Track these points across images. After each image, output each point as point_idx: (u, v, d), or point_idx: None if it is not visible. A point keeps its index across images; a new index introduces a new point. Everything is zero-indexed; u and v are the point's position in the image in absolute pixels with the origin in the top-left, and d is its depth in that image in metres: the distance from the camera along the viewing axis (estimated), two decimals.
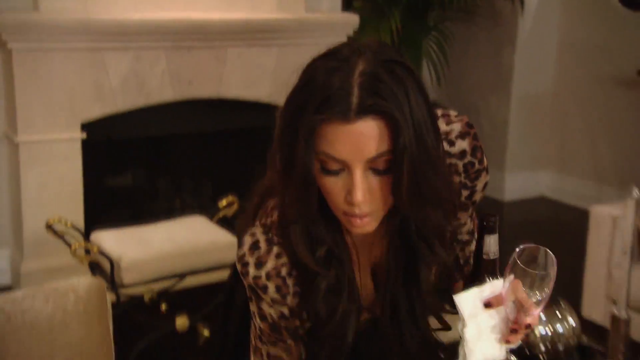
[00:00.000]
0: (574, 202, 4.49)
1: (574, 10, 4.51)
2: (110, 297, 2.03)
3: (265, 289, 1.09)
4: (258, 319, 1.14)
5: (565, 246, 3.23)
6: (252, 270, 1.09)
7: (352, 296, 1.10)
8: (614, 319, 1.84)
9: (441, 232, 1.09)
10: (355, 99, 0.94)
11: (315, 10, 3.82)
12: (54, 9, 3.16)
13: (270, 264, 1.08)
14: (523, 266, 1.03)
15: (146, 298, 2.77)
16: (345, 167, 0.97)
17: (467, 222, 1.23)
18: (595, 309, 2.84)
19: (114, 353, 1.87)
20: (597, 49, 4.41)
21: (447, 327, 1.20)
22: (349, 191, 0.97)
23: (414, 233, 1.07)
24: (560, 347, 2.09)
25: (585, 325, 2.40)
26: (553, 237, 3.84)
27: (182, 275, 2.78)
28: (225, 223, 3.04)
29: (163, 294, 2.81)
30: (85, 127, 3.28)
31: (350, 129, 0.94)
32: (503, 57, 4.64)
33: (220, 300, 2.50)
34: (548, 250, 1.04)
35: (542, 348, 2.08)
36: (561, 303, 2.16)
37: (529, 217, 4.51)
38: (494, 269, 1.12)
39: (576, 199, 4.48)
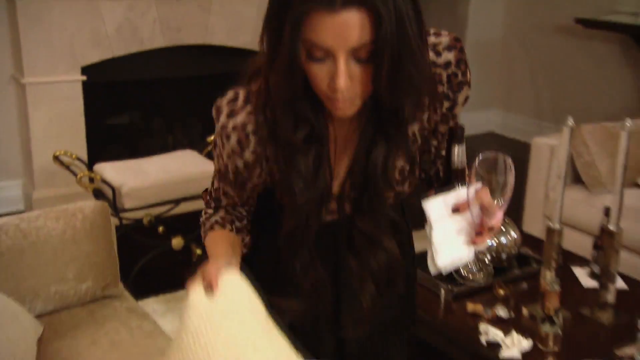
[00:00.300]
0: (518, 137, 4.54)
1: None
2: (113, 221, 2.04)
3: (228, 138, 1.05)
4: (216, 162, 1.12)
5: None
6: (222, 118, 1.05)
7: (325, 176, 1.06)
8: (549, 230, 1.89)
9: (412, 121, 1.05)
10: None
11: None
12: None
13: (240, 118, 1.04)
14: (482, 173, 1.00)
15: (145, 221, 2.77)
16: (329, 55, 0.92)
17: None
18: (534, 225, 2.91)
19: (118, 264, 1.90)
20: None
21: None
22: (333, 77, 0.93)
23: (387, 119, 1.02)
24: (504, 256, 2.16)
25: (525, 238, 2.47)
26: None
27: (176, 202, 2.78)
28: (212, 156, 3.02)
29: (160, 218, 2.82)
30: (85, 70, 3.22)
31: (335, 19, 0.89)
32: (458, 9, 4.59)
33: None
34: (507, 157, 1.01)
35: (488, 257, 2.15)
36: (506, 220, 2.22)
37: (480, 150, 4.54)
38: (462, 178, 1.07)
39: (520, 134, 4.53)
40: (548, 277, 1.80)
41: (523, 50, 4.56)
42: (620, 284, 2.00)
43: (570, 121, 1.86)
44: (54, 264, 1.73)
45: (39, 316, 1.70)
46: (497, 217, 1.00)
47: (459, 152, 1.08)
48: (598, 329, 1.82)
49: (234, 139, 1.04)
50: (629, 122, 1.79)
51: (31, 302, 1.69)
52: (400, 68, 0.92)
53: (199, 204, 3.11)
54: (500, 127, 4.78)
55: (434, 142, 1.12)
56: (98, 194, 2.73)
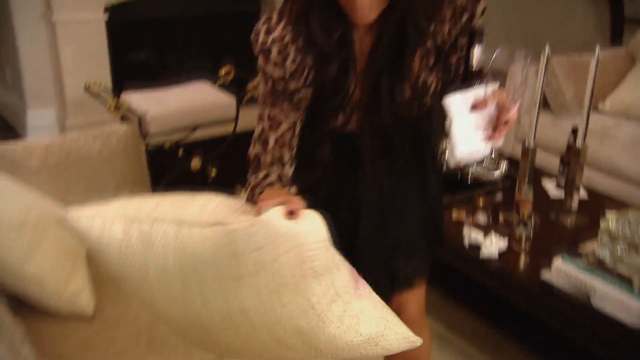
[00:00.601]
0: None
1: None
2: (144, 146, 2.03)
3: (269, 51, 1.03)
4: (262, 83, 1.08)
5: None
6: (261, 36, 1.03)
7: (350, 79, 1.04)
8: (524, 148, 1.91)
9: (429, 20, 1.02)
10: None
11: None
12: None
13: (276, 33, 1.02)
14: (500, 66, 0.98)
15: (166, 145, 2.77)
16: None
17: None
18: (507, 147, 2.92)
19: (150, 180, 1.92)
20: None
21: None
22: None
23: (406, 20, 1.00)
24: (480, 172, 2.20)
25: (499, 156, 2.49)
26: None
27: (194, 128, 2.76)
28: (225, 88, 2.98)
29: (179, 143, 2.81)
30: (108, 10, 3.13)
31: None
32: None
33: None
34: (526, 50, 0.99)
35: (469, 172, 2.18)
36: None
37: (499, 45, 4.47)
38: (480, 77, 1.05)
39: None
40: (523, 187, 1.83)
41: None
42: (581, 194, 2.04)
43: (547, 49, 1.85)
44: (95, 178, 1.75)
45: None
46: (512, 112, 0.99)
47: (478, 52, 1.05)
48: (563, 232, 1.88)
49: (274, 51, 1.03)
50: (598, 49, 1.79)
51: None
52: None
53: (214, 131, 3.09)
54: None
55: (454, 57, 1.08)
56: (125, 120, 2.71)
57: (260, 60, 1.05)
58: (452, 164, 1.05)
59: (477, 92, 0.99)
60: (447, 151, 1.03)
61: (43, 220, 1.40)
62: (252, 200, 1.06)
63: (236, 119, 2.86)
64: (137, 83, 3.08)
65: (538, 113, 1.93)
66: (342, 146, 1.11)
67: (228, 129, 2.87)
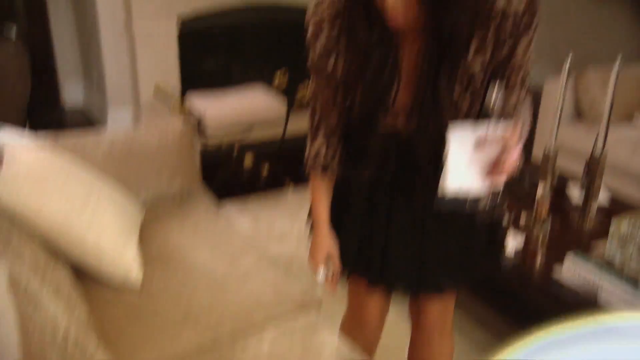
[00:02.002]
0: (535, 80, 4.39)
1: None
2: (197, 141, 2.13)
3: (307, 26, 1.04)
4: (309, 59, 1.07)
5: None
6: (309, 11, 1.04)
7: (391, 74, 1.00)
8: (545, 154, 1.90)
9: (464, 41, 0.94)
10: None
11: None
12: None
13: (320, 8, 1.02)
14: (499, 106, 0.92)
15: (223, 145, 2.88)
16: None
17: (516, 95, 1.00)
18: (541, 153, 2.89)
19: (200, 170, 2.03)
20: None
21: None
22: None
23: (443, 37, 0.93)
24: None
25: (534, 164, 2.47)
26: None
27: (249, 127, 2.84)
28: (280, 91, 3.04)
29: (235, 142, 2.89)
30: (179, 23, 3.29)
31: None
32: None
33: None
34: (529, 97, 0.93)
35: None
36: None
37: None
38: (493, 115, 0.97)
39: (536, 77, 4.37)
40: (541, 189, 1.84)
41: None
42: (603, 199, 2.01)
43: (567, 63, 1.84)
44: (152, 167, 1.87)
45: (143, 203, 1.84)
46: (513, 155, 0.88)
47: (497, 90, 0.97)
48: (580, 234, 1.86)
49: (311, 27, 1.03)
50: (617, 62, 1.77)
51: (137, 193, 1.84)
52: None
53: (267, 131, 3.18)
54: None
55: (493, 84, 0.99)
56: (188, 118, 2.82)
57: (309, 32, 1.05)
58: (440, 192, 0.93)
59: (487, 128, 0.90)
60: (440, 179, 0.92)
61: (104, 199, 1.54)
62: (305, 168, 1.14)
63: (286, 120, 2.92)
64: (201, 86, 3.23)
65: (559, 119, 1.92)
66: (392, 147, 1.06)
67: (279, 130, 2.94)
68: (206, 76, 3.56)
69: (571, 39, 4.24)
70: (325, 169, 1.11)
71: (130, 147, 1.84)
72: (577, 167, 2.63)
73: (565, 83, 1.84)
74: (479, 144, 0.89)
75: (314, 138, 1.11)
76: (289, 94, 3.02)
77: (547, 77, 3.27)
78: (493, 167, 0.89)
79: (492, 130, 0.88)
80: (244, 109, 2.87)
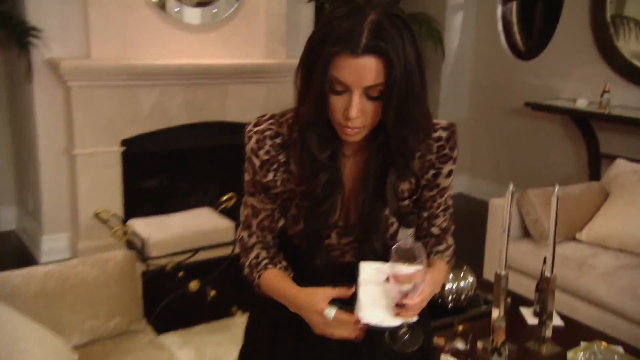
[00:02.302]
0: (482, 197, 4.59)
1: (482, 58, 4.61)
2: (141, 267, 2.06)
3: (250, 139, 1.08)
4: (245, 174, 1.12)
5: (475, 229, 3.33)
6: (249, 126, 1.09)
7: (339, 189, 1.07)
8: (497, 275, 1.93)
9: (413, 152, 1.05)
10: (363, 39, 0.92)
11: (295, 57, 3.85)
12: (101, 56, 3.19)
13: (262, 126, 1.07)
14: (398, 260, 0.97)
15: (168, 267, 2.78)
16: (347, 90, 0.96)
17: (438, 211, 1.15)
18: (492, 272, 2.92)
19: (142, 305, 1.93)
20: (497, 88, 4.51)
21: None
22: (347, 108, 0.96)
23: (393, 148, 1.03)
24: (462, 297, 2.19)
25: (484, 283, 2.49)
26: (469, 224, 3.93)
27: (194, 251, 2.79)
28: (226, 213, 3.04)
29: (180, 265, 2.81)
30: (124, 143, 3.29)
31: (356, 62, 0.93)
32: (431, 93, 4.73)
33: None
34: (420, 247, 0.98)
35: (450, 298, 2.18)
36: (465, 267, 2.26)
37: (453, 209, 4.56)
38: (406, 256, 1.02)
39: (483, 194, 4.59)
40: (496, 315, 1.83)
41: (484, 128, 4.68)
42: (557, 320, 2.02)
43: (512, 186, 1.92)
44: (89, 303, 1.77)
45: (75, 347, 1.72)
46: (415, 299, 0.98)
47: (403, 234, 1.08)
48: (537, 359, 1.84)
49: (253, 139, 1.08)
50: (557, 187, 1.86)
51: (69, 335, 1.72)
52: (406, 106, 0.96)
53: (213, 253, 3.11)
54: (468, 189, 4.85)
55: (415, 210, 1.13)
56: (130, 244, 2.76)
57: (246, 149, 1.10)
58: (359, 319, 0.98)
59: (393, 267, 0.97)
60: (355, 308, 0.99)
61: (32, 347, 1.41)
62: (252, 279, 1.13)
63: (234, 242, 2.87)
64: (144, 210, 3.17)
65: (507, 241, 1.96)
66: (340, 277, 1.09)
67: (227, 251, 2.88)
68: (150, 199, 3.53)
69: (513, 159, 4.52)
70: (271, 263, 1.13)
71: (64, 283, 1.75)
72: (526, 283, 2.67)
73: (510, 207, 1.91)
74: (391, 278, 0.97)
75: (249, 250, 1.15)
76: (237, 216, 3.00)
77: (491, 195, 3.41)
78: (402, 303, 0.98)
79: (400, 267, 0.96)
80: (189, 232, 2.83)
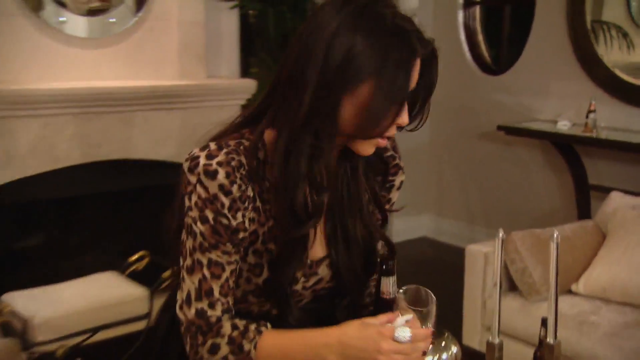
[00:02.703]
0: (452, 241, 4.64)
1: (442, 73, 4.69)
2: (23, 356, 1.93)
3: (215, 174, 1.07)
4: (199, 223, 1.10)
5: (445, 281, 3.32)
6: (202, 160, 1.09)
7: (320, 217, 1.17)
8: (489, 345, 1.89)
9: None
10: (418, 39, 1.11)
11: (215, 76, 3.84)
12: None
13: (221, 157, 1.09)
14: (406, 305, 1.10)
15: (59, 354, 2.63)
16: None
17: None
18: (474, 337, 2.93)
19: None
20: (464, 109, 4.62)
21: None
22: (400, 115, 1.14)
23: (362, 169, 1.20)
24: None
25: (467, 352, 2.47)
26: (435, 273, 3.94)
27: (95, 330, 2.66)
28: (137, 277, 2.95)
29: (77, 349, 2.69)
30: None
31: (417, 64, 1.14)
32: None
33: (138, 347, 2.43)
34: (428, 290, 1.10)
35: None
36: (446, 334, 2.22)
37: (414, 256, 4.60)
38: (391, 307, 1.13)
39: (453, 238, 4.64)
40: None
41: (450, 155, 4.76)
42: None
43: (501, 233, 1.91)
44: None
45: None
46: (427, 343, 1.12)
47: (387, 283, 1.14)
48: None
49: (222, 173, 1.08)
50: (556, 233, 1.86)
51: None
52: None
53: (121, 330, 2.98)
54: (433, 231, 4.89)
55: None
56: (6, 328, 2.58)
57: (200, 190, 1.08)
58: None
59: (388, 318, 1.08)
60: None
61: None
62: (243, 357, 1.10)
63: (149, 314, 2.81)
64: (24, 279, 3.00)
65: (499, 302, 1.94)
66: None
67: (139, 326, 2.78)
68: (32, 263, 3.37)
69: (486, 193, 4.60)
70: (261, 326, 1.14)
71: None
72: (515, 348, 2.66)
73: (501, 259, 1.89)
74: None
75: (218, 325, 1.13)
76: (151, 280, 2.90)
77: (464, 239, 3.45)
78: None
79: (395, 317, 1.08)
80: (87, 306, 2.73)
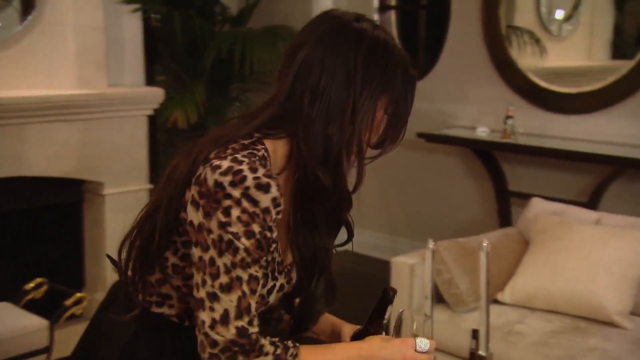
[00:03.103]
0: (374, 254, 4.65)
1: None
2: None
3: (268, 187, 1.08)
4: (244, 239, 1.09)
5: (371, 294, 3.32)
6: (249, 174, 1.08)
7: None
8: None
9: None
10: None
11: (118, 85, 3.71)
12: None
13: (262, 170, 1.10)
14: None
15: None
16: None
17: None
18: None
19: None
20: None
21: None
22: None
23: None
24: None
25: None
26: (359, 287, 3.92)
27: None
28: (34, 307, 2.81)
29: None
30: None
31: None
32: None
33: None
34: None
35: None
36: None
37: (335, 270, 4.56)
38: (384, 330, 1.32)
39: (376, 250, 4.65)
40: None
41: (370, 165, 4.77)
42: None
43: (432, 244, 1.90)
44: None
45: None
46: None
47: (388, 311, 1.37)
48: None
49: (274, 187, 1.09)
50: (485, 242, 1.86)
51: None
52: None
53: None
54: (354, 244, 4.87)
55: None
56: None
57: (247, 204, 1.08)
58: None
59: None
60: None
61: None
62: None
63: (49, 348, 2.71)
64: None
65: (432, 314, 1.93)
66: None
67: None
68: None
69: (406, 202, 4.64)
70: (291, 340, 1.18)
71: None
72: None
73: (432, 271, 1.88)
74: None
75: (260, 344, 1.13)
76: (50, 309, 2.76)
77: (387, 251, 3.45)
78: None
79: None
80: None
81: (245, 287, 1.10)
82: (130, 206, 3.38)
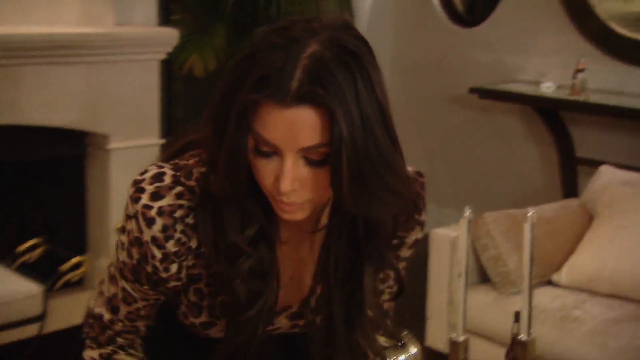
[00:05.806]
0: None
1: (406, 24, 4.75)
2: None
3: (151, 223, 1.09)
4: (125, 255, 1.14)
5: (409, 271, 3.39)
6: (145, 198, 1.09)
7: (273, 285, 1.14)
8: (452, 343, 1.94)
9: (388, 235, 1.15)
10: (295, 83, 0.95)
11: (127, 24, 3.78)
12: None
13: (167, 200, 1.09)
14: None
15: None
16: (277, 152, 0.99)
17: (390, 279, 1.31)
18: (438, 336, 2.98)
19: None
20: (430, 66, 4.66)
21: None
22: (277, 178, 1.00)
23: (360, 229, 1.11)
24: None
25: (431, 354, 2.53)
26: None
27: None
28: (28, 270, 2.93)
29: None
30: None
31: (285, 114, 0.96)
32: None
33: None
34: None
35: None
36: (404, 331, 2.27)
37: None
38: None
39: None
40: None
41: (413, 123, 4.81)
42: None
43: (468, 212, 1.95)
44: None
45: None
46: None
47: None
48: None
49: (158, 225, 1.09)
50: (531, 212, 1.91)
51: None
52: (366, 172, 0.99)
53: (10, 336, 2.97)
54: None
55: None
56: None
57: (132, 226, 1.11)
58: None
59: None
60: None
61: None
62: None
63: (43, 316, 2.81)
64: None
65: (465, 294, 2.00)
66: None
67: (32, 331, 2.80)
68: None
69: (456, 168, 4.67)
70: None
71: None
72: (485, 348, 2.73)
73: (468, 243, 1.94)
74: None
75: (108, 336, 1.23)
76: (46, 273, 2.88)
77: (431, 224, 3.49)
78: None
79: None
80: None
81: (119, 292, 1.19)
82: (138, 163, 3.43)
